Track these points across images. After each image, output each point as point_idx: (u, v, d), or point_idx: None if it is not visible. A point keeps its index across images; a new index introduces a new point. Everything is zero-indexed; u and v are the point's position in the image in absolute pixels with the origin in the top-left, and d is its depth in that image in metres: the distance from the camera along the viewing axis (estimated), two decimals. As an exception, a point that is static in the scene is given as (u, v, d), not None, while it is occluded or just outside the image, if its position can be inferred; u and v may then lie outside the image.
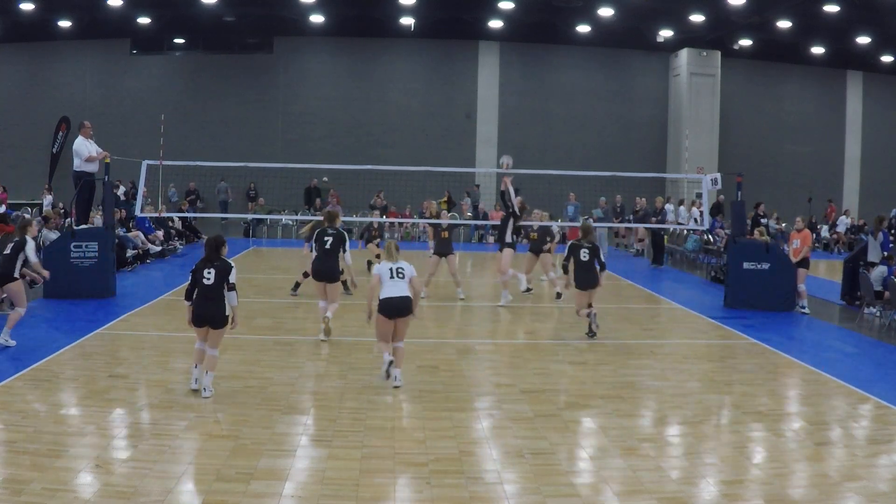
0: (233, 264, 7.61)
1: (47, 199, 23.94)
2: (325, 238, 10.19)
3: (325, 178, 26.82)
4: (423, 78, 30.74)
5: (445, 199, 26.30)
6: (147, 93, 29.52)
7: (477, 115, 30.67)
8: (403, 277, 8.04)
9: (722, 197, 24.89)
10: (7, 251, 9.56)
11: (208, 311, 7.45)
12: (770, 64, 31.16)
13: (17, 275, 9.46)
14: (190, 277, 7.59)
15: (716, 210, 24.38)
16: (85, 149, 13.70)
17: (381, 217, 25.52)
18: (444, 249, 13.90)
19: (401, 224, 26.53)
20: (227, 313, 7.49)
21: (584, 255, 10.80)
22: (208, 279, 7.44)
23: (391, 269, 8.05)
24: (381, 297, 7.99)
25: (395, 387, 7.89)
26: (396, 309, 7.94)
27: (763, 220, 22.30)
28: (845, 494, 5.46)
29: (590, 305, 10.76)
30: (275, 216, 26.91)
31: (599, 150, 30.23)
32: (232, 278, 7.48)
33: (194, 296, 7.51)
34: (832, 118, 32.25)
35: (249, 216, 26.06)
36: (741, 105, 31.37)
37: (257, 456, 5.88)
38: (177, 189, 27.16)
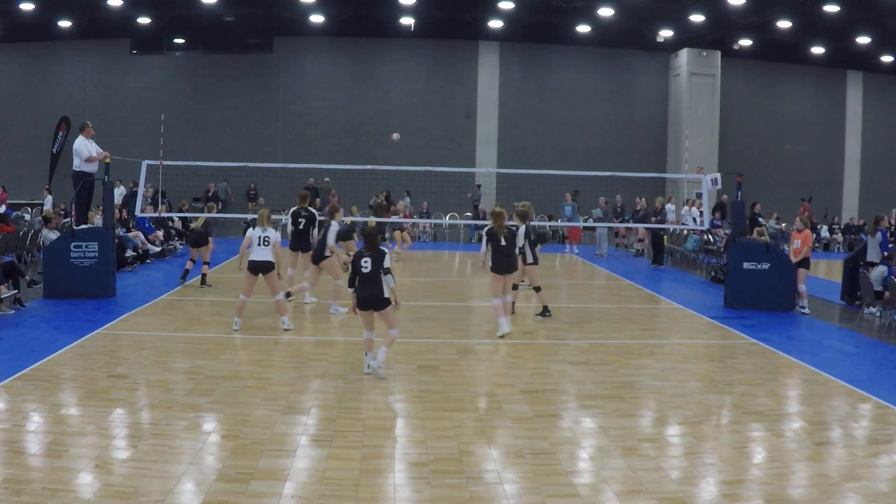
0: (386, 251, 8.40)
1: (48, 200, 23.91)
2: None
3: (327, 179, 26.82)
4: (423, 78, 30.75)
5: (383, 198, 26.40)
6: (147, 93, 29.53)
7: (477, 115, 30.69)
8: (268, 245, 10.28)
9: (725, 197, 24.89)
10: (320, 235, 12.09)
11: (369, 293, 8.19)
12: (770, 64, 31.18)
13: (327, 253, 11.82)
14: (350, 267, 8.49)
15: (721, 211, 24.35)
16: (85, 149, 13.71)
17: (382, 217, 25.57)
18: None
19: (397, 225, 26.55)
20: (386, 295, 8.19)
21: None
22: (366, 267, 8.22)
23: (259, 237, 10.28)
24: (249, 259, 10.31)
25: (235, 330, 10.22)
26: (259, 269, 10.24)
27: (759, 220, 22.30)
28: (845, 494, 5.46)
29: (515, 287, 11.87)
30: (275, 216, 26.86)
31: (599, 150, 30.26)
32: (386, 263, 8.22)
33: (356, 283, 8.30)
34: (832, 118, 32.27)
35: (249, 216, 26.03)
36: (741, 105, 31.39)
37: (257, 456, 5.88)
38: (156, 189, 26.96)
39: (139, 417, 6.82)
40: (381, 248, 8.37)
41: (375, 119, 30.21)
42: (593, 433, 6.73)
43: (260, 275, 10.30)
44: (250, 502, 5.09)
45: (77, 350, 9.18)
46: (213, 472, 5.58)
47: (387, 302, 8.19)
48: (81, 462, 5.67)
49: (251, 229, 10.55)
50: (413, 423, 6.86)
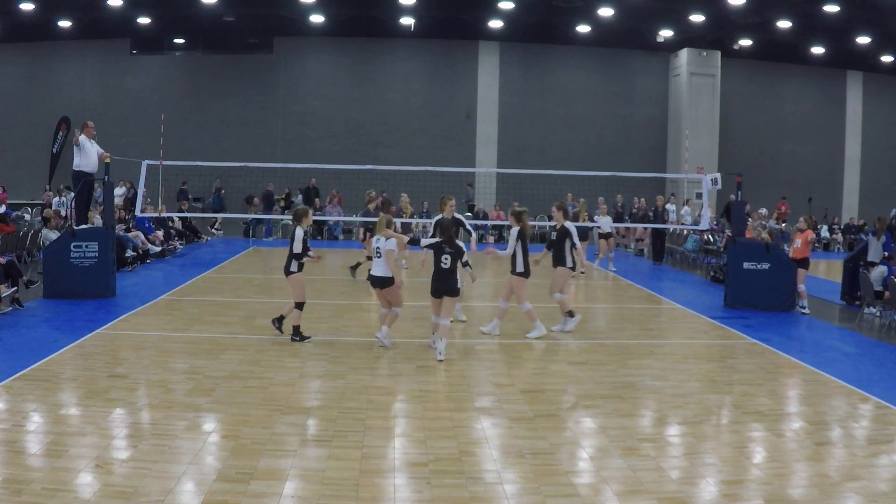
0: (465, 248, 9.43)
1: (57, 200, 23.81)
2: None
3: (288, 189, 27.26)
4: (423, 78, 30.74)
5: (283, 196, 27.02)
6: (147, 93, 29.52)
7: (477, 115, 30.67)
8: (380, 256, 9.56)
9: (733, 197, 24.84)
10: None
11: (444, 285, 9.29)
12: (770, 64, 31.15)
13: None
14: (432, 249, 9.39)
15: (727, 213, 24.25)
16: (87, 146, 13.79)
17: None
18: None
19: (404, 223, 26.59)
20: (459, 286, 9.33)
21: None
22: (445, 263, 9.27)
23: (376, 248, 9.67)
24: (370, 271, 9.83)
25: (383, 346, 9.61)
26: (376, 283, 9.68)
27: (748, 221, 22.22)
28: (845, 494, 5.46)
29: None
30: (275, 216, 26.92)
31: (599, 150, 30.24)
32: (464, 259, 9.39)
33: (432, 273, 9.35)
34: (832, 118, 32.25)
35: (249, 216, 26.10)
36: (741, 105, 31.37)
37: (257, 456, 5.88)
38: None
39: (139, 417, 6.82)
40: (460, 244, 9.37)
41: (375, 119, 30.20)
42: (593, 433, 6.73)
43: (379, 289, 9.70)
44: (250, 502, 5.09)
45: (77, 350, 9.18)
46: (213, 472, 5.58)
47: (457, 292, 9.33)
48: (81, 462, 5.67)
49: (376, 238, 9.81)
50: (413, 423, 6.86)
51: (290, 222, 10.22)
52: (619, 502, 5.25)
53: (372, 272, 9.69)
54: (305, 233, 9.88)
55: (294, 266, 9.83)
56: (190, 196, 26.93)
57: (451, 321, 11.66)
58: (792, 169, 31.55)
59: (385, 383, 8.11)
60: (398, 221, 15.17)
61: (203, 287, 14.63)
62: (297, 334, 9.95)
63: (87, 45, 29.19)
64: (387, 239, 9.62)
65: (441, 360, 8.99)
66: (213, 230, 27.00)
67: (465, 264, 9.39)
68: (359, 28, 28.92)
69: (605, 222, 18.63)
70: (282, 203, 26.91)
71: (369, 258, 10.22)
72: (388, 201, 15.23)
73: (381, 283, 9.58)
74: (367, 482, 5.48)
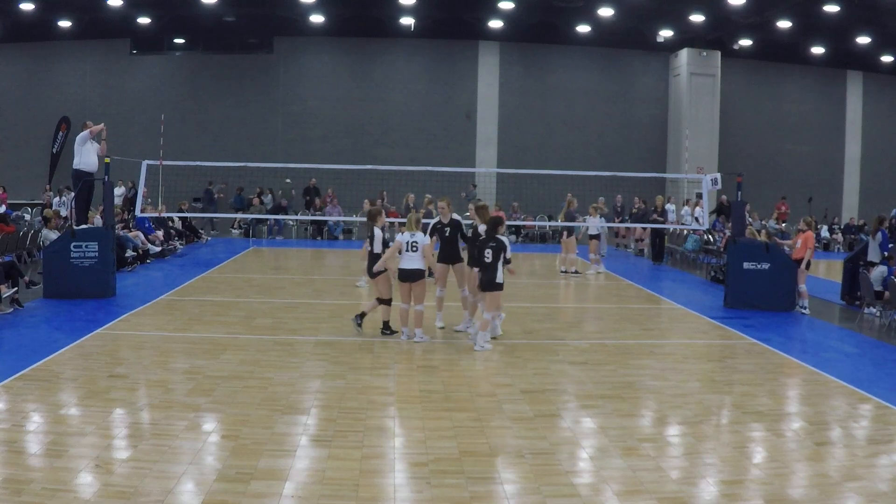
0: (507, 242, 9.65)
1: (57, 200, 23.78)
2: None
3: (289, 180, 27.16)
4: (423, 78, 30.74)
5: (256, 194, 27.18)
6: (147, 93, 29.52)
7: (477, 115, 30.68)
8: (416, 250, 9.89)
9: (724, 197, 24.89)
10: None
11: (487, 279, 9.57)
12: (770, 64, 31.16)
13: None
14: (476, 251, 9.78)
15: (720, 212, 24.34)
16: (88, 142, 13.83)
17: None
18: None
19: (401, 224, 26.54)
20: (499, 280, 9.55)
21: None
22: (488, 257, 9.55)
23: (407, 243, 9.94)
24: (399, 266, 10.00)
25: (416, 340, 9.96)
26: (408, 277, 9.94)
27: (749, 220, 22.27)
28: (845, 494, 5.46)
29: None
30: (275, 216, 26.94)
31: (599, 150, 30.25)
32: (507, 255, 9.62)
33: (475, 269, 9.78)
34: (832, 118, 32.25)
35: (249, 216, 26.11)
36: (741, 105, 31.37)
37: (257, 456, 5.88)
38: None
39: (139, 417, 6.82)
40: (501, 238, 9.63)
41: (375, 119, 30.20)
42: (593, 433, 6.73)
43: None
44: (250, 502, 5.09)
45: (77, 350, 9.18)
46: (213, 472, 5.58)
47: (499, 286, 9.58)
48: (81, 462, 5.67)
49: (400, 234, 10.21)
50: (413, 423, 6.86)
51: (365, 220, 10.71)
52: (619, 502, 5.24)
53: (402, 266, 10.01)
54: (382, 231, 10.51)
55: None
56: (215, 195, 27.05)
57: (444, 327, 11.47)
58: (792, 169, 31.55)
59: (385, 383, 8.11)
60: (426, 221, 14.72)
61: (203, 287, 14.63)
62: (387, 328, 10.37)
63: (87, 45, 29.19)
64: (425, 234, 10.18)
65: (485, 350, 9.61)
66: (234, 229, 27.27)
67: (507, 261, 9.65)
68: (359, 28, 28.93)
69: (592, 223, 18.71)
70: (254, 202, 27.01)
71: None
72: (379, 210, 14.13)
73: (413, 276, 9.96)
74: (367, 482, 5.48)
